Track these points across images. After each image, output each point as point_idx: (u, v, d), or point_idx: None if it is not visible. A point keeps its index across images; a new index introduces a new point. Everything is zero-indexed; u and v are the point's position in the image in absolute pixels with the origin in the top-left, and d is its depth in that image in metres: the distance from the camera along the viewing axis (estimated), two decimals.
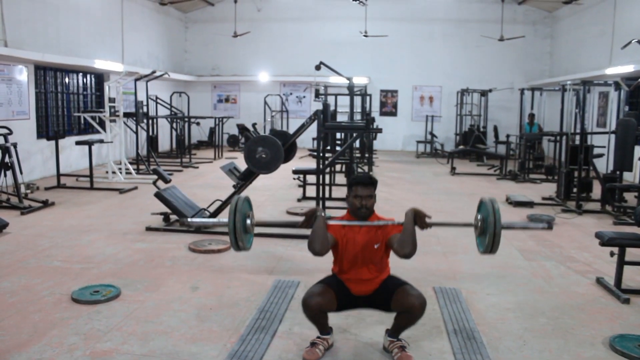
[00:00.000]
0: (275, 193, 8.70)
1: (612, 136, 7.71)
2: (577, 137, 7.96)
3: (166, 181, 6.57)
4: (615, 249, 4.24)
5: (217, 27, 17.18)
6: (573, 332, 3.52)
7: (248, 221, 3.05)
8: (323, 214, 3.02)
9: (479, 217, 3.06)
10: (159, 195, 6.15)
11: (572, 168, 7.89)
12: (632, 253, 4.40)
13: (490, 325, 3.60)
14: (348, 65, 14.76)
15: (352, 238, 3.10)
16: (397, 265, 4.64)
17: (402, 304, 3.01)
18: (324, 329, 3.18)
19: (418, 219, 2.97)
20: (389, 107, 17.22)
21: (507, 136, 12.12)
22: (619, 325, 3.64)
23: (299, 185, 8.77)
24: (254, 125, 6.53)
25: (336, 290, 3.11)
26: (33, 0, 9.75)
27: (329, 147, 9.45)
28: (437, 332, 3.48)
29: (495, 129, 15.09)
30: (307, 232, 6.08)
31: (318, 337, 3.17)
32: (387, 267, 3.24)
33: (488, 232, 2.93)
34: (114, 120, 10.15)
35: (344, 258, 3.12)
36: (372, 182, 3.11)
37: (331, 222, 3.08)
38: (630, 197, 8.02)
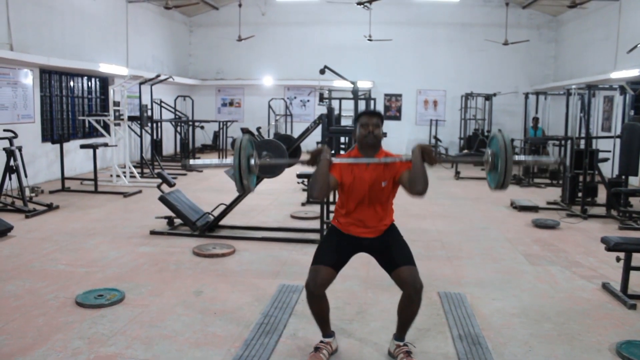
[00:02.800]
0: (279, 197, 8.69)
1: (618, 140, 7.69)
2: (582, 142, 7.94)
3: (170, 185, 6.57)
4: (622, 254, 4.21)
5: (222, 31, 17.22)
6: (579, 337, 3.49)
7: (252, 161, 3.03)
8: (328, 157, 2.94)
9: (489, 152, 2.98)
10: (163, 199, 6.15)
11: (577, 172, 7.86)
12: (638, 258, 4.38)
13: (496, 331, 3.58)
14: (352, 69, 14.77)
15: (359, 176, 3.01)
16: None
17: (399, 285, 3.00)
18: (326, 326, 3.17)
19: (426, 155, 2.89)
20: (393, 111, 17.22)
21: (512, 140, 12.09)
22: (625, 331, 3.61)
23: (303, 189, 8.77)
24: (258, 129, 6.54)
25: (333, 261, 3.02)
26: (39, 4, 9.80)
27: (333, 151, 9.44)
28: (442, 338, 3.46)
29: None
30: (311, 236, 6.10)
31: (321, 342, 3.15)
32: (391, 211, 3.17)
33: (499, 166, 2.85)
34: (119, 124, 10.17)
35: (351, 198, 3.04)
36: (378, 114, 3.08)
37: (337, 160, 3.03)
38: (636, 202, 7.99)
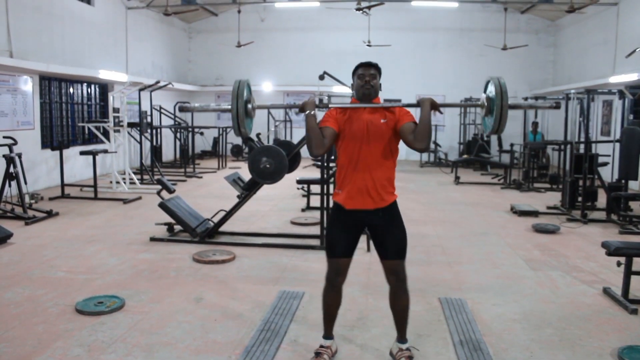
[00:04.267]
0: (279, 203, 8.69)
1: (617, 145, 7.69)
2: (582, 146, 7.94)
3: (170, 191, 6.56)
4: (622, 259, 4.21)
5: (221, 37, 17.27)
6: (580, 343, 3.48)
7: (249, 105, 3.05)
8: (312, 112, 2.94)
9: (484, 96, 3.00)
10: (163, 206, 6.15)
11: (576, 177, 7.86)
12: (639, 263, 4.37)
13: (497, 336, 3.57)
14: (351, 75, 14.78)
15: (356, 117, 3.00)
16: None
17: (385, 274, 3.07)
18: (332, 325, 3.19)
19: (434, 107, 2.92)
20: None
21: (511, 145, 12.10)
22: (627, 336, 3.60)
23: (303, 195, 8.76)
24: (257, 135, 6.53)
25: (346, 249, 3.03)
26: (38, 11, 9.83)
27: (333, 157, 9.45)
28: (443, 344, 3.45)
29: (499, 137, 15.06)
30: (311, 242, 6.10)
31: (321, 346, 3.15)
32: (393, 177, 3.04)
33: (495, 111, 2.88)
34: (118, 130, 10.17)
35: (348, 135, 2.98)
36: (375, 65, 3.08)
37: (334, 106, 3.04)
38: (636, 206, 7.99)
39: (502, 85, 2.86)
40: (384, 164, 2.99)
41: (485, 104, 2.99)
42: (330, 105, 3.03)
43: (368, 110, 3.01)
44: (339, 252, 3.05)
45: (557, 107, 3.08)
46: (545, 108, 3.12)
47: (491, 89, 2.95)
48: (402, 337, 3.15)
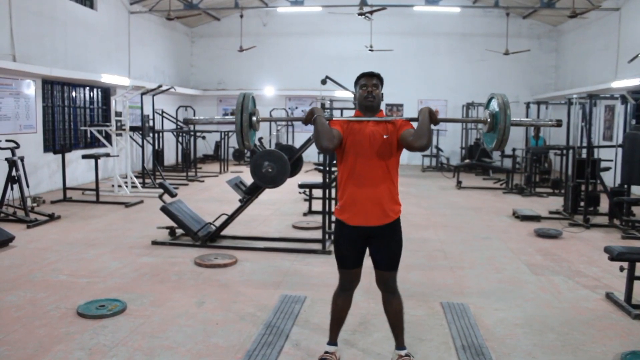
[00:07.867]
0: (281, 207, 8.68)
1: (619, 149, 7.68)
2: (584, 151, 7.93)
3: (172, 195, 6.56)
4: (625, 264, 4.20)
5: (223, 42, 17.32)
6: (583, 348, 3.46)
7: (254, 118, 3.06)
8: (322, 114, 2.95)
9: (488, 112, 3.01)
10: (164, 210, 6.15)
11: (579, 182, 7.85)
12: None
13: (499, 341, 3.56)
14: (353, 80, 14.77)
15: (358, 129, 2.99)
16: (404, 280, 4.63)
17: (377, 282, 3.14)
18: (338, 330, 3.20)
19: (432, 115, 2.92)
20: None
21: (513, 150, 12.09)
22: (630, 341, 3.58)
23: (305, 200, 8.76)
24: (259, 139, 6.54)
25: (354, 262, 3.07)
26: (41, 15, 9.86)
27: (334, 161, 9.44)
28: (445, 348, 3.44)
29: None
30: (313, 246, 6.09)
31: (326, 352, 3.15)
32: (396, 191, 3.03)
33: (498, 128, 2.88)
34: (120, 134, 10.19)
35: (351, 149, 2.97)
36: (377, 75, 3.07)
37: (337, 119, 3.06)
38: (638, 211, 7.97)
39: (506, 106, 2.86)
40: (386, 179, 2.98)
41: (489, 120, 2.98)
42: (333, 118, 3.03)
43: (371, 124, 3.00)
44: (349, 265, 3.08)
45: (559, 125, 3.07)
46: (547, 126, 3.11)
47: (494, 106, 2.94)
48: (399, 344, 3.15)
